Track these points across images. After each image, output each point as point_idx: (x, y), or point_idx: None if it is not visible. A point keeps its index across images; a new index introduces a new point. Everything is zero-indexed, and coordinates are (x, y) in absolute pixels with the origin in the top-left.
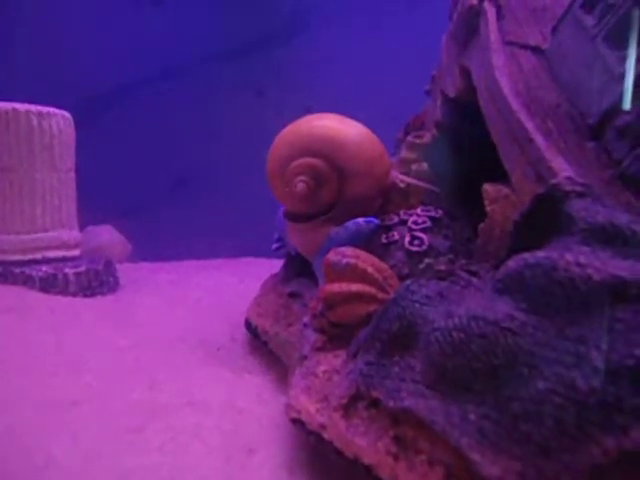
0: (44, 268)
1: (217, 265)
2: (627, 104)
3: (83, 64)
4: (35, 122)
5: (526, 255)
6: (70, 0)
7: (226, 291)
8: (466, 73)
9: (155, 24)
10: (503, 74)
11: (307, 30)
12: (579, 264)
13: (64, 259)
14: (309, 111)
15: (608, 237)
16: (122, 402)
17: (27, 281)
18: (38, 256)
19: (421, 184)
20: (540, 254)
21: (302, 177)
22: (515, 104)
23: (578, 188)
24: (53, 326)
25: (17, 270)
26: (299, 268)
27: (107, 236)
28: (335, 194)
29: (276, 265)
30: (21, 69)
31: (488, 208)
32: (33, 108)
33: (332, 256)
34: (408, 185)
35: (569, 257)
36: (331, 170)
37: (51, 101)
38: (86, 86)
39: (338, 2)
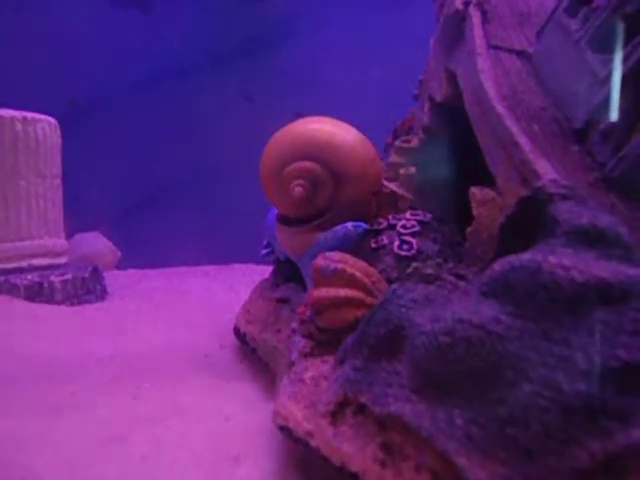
0: (29, 276)
1: (206, 272)
2: (611, 108)
3: (70, 70)
4: (20, 128)
5: (511, 258)
6: (56, 6)
7: (215, 298)
8: (453, 77)
9: (143, 30)
10: (488, 78)
11: (296, 35)
12: (563, 266)
13: (50, 267)
14: (299, 116)
15: (592, 239)
16: (106, 411)
17: (12, 290)
18: (23, 264)
19: (404, 193)
20: (525, 257)
21: (299, 181)
22: (500, 108)
23: (562, 191)
24: (38, 335)
25: (1, 278)
26: (288, 274)
27: (95, 243)
28: (330, 198)
29: (265, 271)
30: (6, 75)
31: (475, 211)
32: (17, 114)
33: (320, 261)
34: (392, 192)
35: (553, 259)
36: (327, 174)
37: (37, 107)
38: (72, 92)
39: (327, 7)
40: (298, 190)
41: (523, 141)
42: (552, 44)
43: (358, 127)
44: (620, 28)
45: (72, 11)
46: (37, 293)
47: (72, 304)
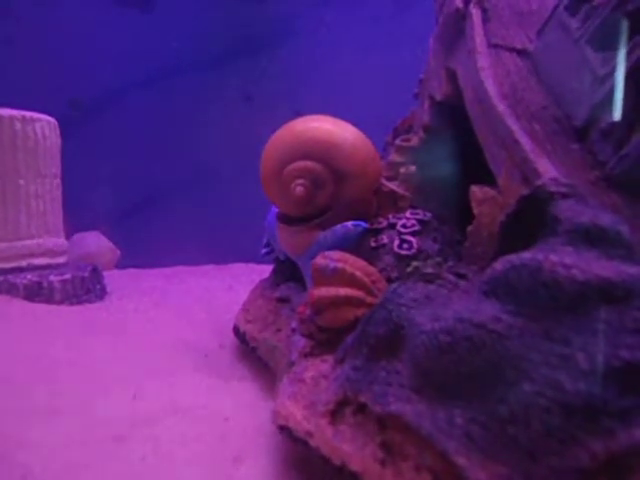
0: (28, 276)
1: (206, 271)
2: (611, 106)
3: (70, 70)
4: (19, 127)
5: (512, 257)
6: (57, 6)
7: (215, 297)
8: (453, 76)
9: (143, 30)
10: (489, 76)
11: (295, 35)
12: (564, 265)
13: (49, 267)
14: (298, 115)
15: (593, 238)
16: (105, 411)
17: (11, 289)
18: (22, 264)
19: (403, 192)
20: (525, 255)
21: (301, 180)
22: (501, 106)
23: (563, 189)
24: (37, 335)
25: (0, 278)
26: (288, 273)
27: (95, 243)
28: (331, 197)
29: (265, 271)
30: (6, 75)
31: (475, 210)
32: (17, 113)
33: (320, 260)
34: (392, 191)
35: (554, 258)
36: (328, 173)
37: (36, 107)
38: (73, 91)
39: (326, 7)
40: (299, 189)
41: (524, 140)
42: (552, 42)
43: (357, 126)
44: (621, 26)
45: (72, 11)
46: (36, 293)
47: (71, 304)
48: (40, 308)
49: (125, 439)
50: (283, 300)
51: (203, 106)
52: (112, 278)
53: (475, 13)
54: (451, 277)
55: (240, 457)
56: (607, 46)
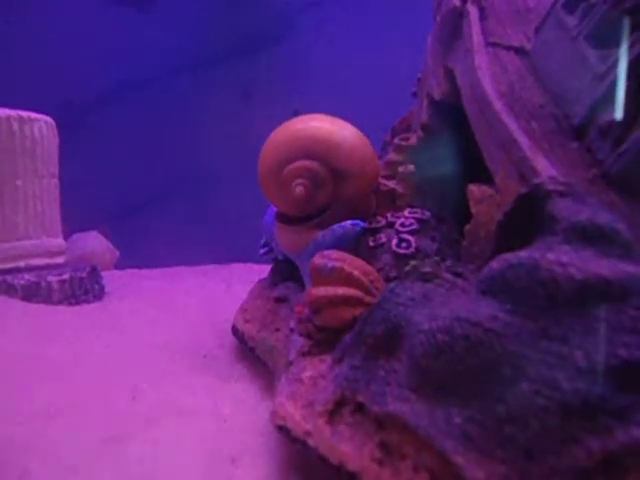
0: (26, 276)
1: (205, 271)
2: (609, 104)
3: (67, 69)
4: (16, 127)
5: (509, 255)
6: (54, 4)
7: (214, 297)
8: (451, 75)
9: (142, 28)
10: (486, 75)
11: (294, 33)
12: (561, 263)
13: (47, 267)
14: (297, 114)
15: (590, 236)
16: (103, 412)
17: (9, 290)
18: (20, 264)
19: (402, 191)
20: (522, 254)
21: (301, 180)
22: (498, 105)
23: (560, 187)
24: (35, 335)
25: None
26: (286, 273)
27: (94, 243)
28: (330, 196)
29: (264, 271)
30: (2, 75)
31: (473, 209)
32: (14, 113)
33: (318, 260)
34: (391, 190)
35: (551, 256)
36: (328, 172)
37: (34, 106)
38: (70, 91)
39: (326, 5)
40: (300, 189)
41: (521, 138)
42: (550, 41)
43: (356, 125)
44: (619, 23)
45: (68, 10)
46: (34, 293)
47: (70, 304)
48: (38, 309)
49: (123, 439)
50: (281, 300)
51: (203, 104)
52: (111, 278)
53: (472, 11)
54: (449, 276)
55: (239, 457)
56: (605, 43)
